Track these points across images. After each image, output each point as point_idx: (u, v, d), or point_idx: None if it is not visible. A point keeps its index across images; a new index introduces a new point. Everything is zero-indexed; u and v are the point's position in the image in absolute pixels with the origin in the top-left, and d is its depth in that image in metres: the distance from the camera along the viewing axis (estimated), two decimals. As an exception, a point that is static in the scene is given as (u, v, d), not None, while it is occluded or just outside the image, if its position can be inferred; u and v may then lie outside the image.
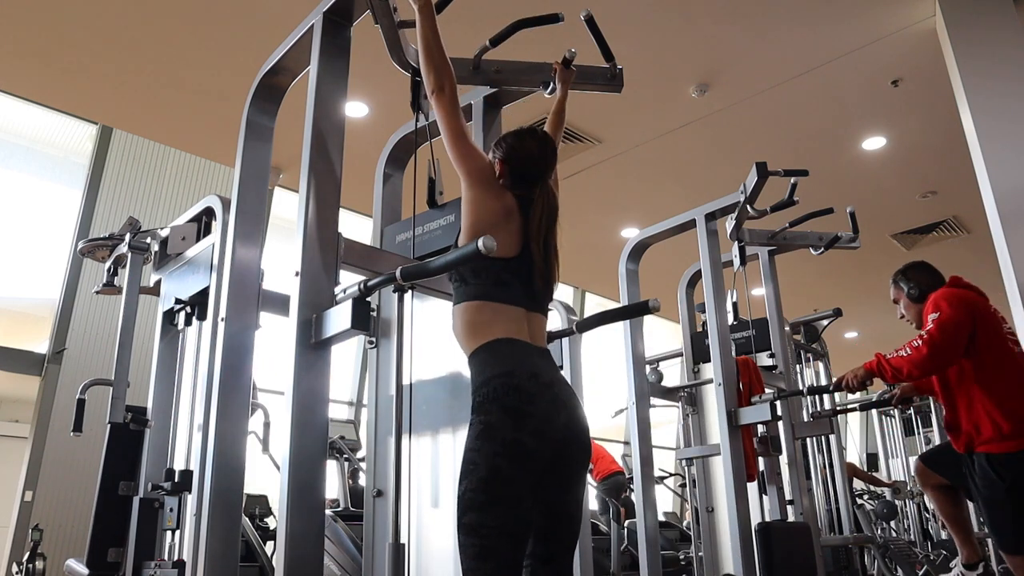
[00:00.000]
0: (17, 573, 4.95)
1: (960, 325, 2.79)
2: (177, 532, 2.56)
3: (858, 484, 7.00)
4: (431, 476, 2.36)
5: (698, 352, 4.32)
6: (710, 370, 3.68)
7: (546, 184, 1.93)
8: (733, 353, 3.57)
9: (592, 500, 5.49)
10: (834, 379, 3.24)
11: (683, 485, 6.12)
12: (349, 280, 1.96)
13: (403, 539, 1.68)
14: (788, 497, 3.88)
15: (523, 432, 1.65)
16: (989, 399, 2.78)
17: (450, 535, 2.27)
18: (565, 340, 2.86)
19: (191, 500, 2.38)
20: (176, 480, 2.52)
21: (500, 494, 1.62)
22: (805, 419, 4.35)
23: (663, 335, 9.67)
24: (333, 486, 4.33)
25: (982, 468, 2.80)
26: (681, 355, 4.60)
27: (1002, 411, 2.75)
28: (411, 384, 1.86)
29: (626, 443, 8.33)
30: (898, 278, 3.21)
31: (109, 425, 2.94)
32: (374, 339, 2.46)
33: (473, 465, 1.64)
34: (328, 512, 3.33)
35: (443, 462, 2.34)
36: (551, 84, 2.37)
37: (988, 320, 2.87)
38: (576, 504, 1.79)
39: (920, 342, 2.80)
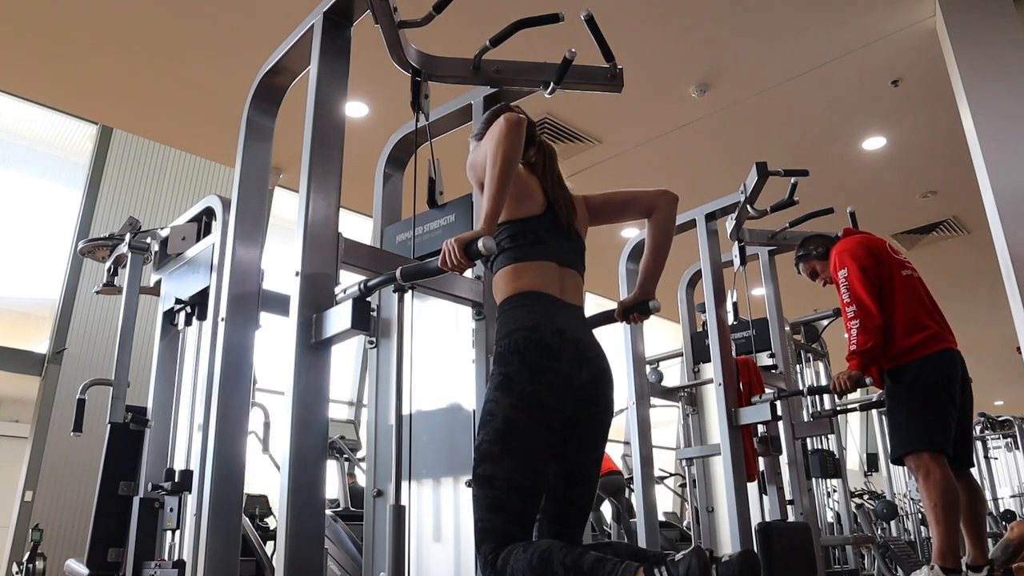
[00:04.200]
0: (17, 573, 4.94)
1: (866, 269, 3.10)
2: (177, 532, 2.56)
3: (857, 484, 7.00)
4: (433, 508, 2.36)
5: (698, 352, 4.32)
6: (710, 370, 3.68)
7: (543, 142, 2.00)
8: (733, 353, 3.57)
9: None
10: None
11: (683, 485, 6.12)
12: (349, 280, 1.96)
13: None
14: (788, 497, 3.87)
15: (541, 386, 1.64)
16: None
17: (450, 538, 2.27)
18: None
19: (191, 500, 2.38)
20: (176, 480, 2.52)
21: (515, 447, 1.61)
22: (805, 419, 4.35)
23: (663, 335, 9.66)
24: (333, 486, 4.33)
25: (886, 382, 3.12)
26: (681, 355, 4.60)
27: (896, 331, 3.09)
28: (411, 387, 1.86)
29: (626, 443, 8.32)
30: (799, 254, 3.53)
31: (109, 425, 2.94)
32: (374, 339, 2.46)
33: (490, 416, 1.65)
34: (328, 512, 3.33)
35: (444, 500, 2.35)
36: (551, 86, 2.37)
37: (884, 256, 3.19)
38: (594, 465, 1.78)
39: (852, 310, 3.07)
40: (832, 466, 4.67)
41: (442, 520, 2.28)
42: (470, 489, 1.69)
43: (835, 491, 5.64)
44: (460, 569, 2.16)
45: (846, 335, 3.15)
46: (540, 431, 1.64)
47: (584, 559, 1.43)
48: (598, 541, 4.98)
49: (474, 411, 2.22)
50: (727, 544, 3.46)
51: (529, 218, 1.81)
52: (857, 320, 3.05)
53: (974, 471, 3.26)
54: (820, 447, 5.27)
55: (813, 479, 5.10)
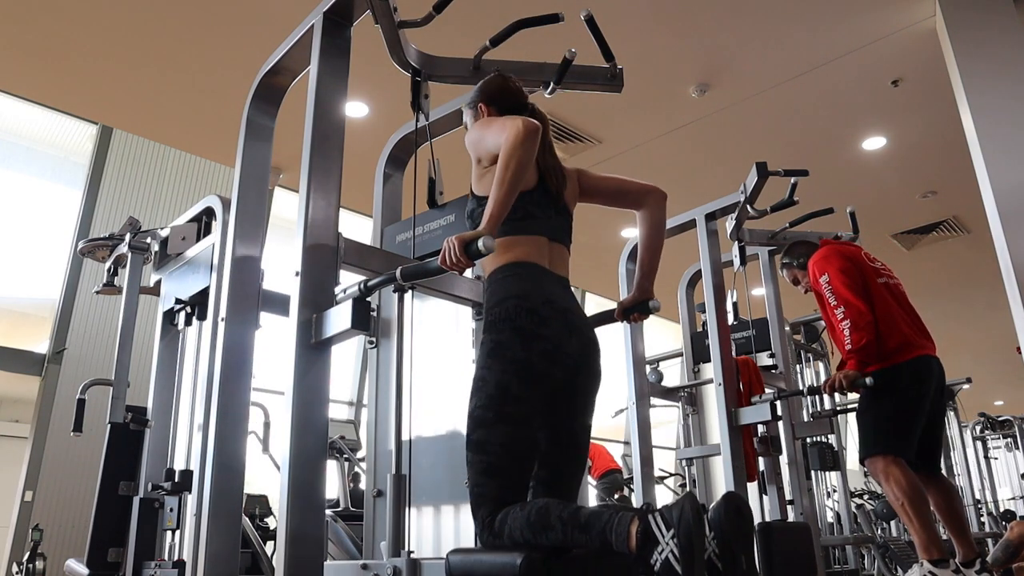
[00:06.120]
0: (17, 573, 4.95)
1: (846, 271, 3.17)
2: (177, 532, 2.56)
3: (857, 484, 6.99)
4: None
5: (698, 352, 4.32)
6: (710, 370, 3.68)
7: (535, 109, 2.00)
8: (733, 353, 3.57)
9: (591, 499, 5.49)
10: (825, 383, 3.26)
11: (683, 485, 6.11)
12: (349, 280, 1.96)
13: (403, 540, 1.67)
14: (788, 497, 3.87)
15: (532, 352, 1.67)
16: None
17: (450, 536, 2.27)
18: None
19: (191, 500, 2.39)
20: (176, 480, 2.52)
21: (508, 412, 1.64)
22: (805, 419, 4.35)
23: (663, 335, 9.67)
24: (333, 486, 4.33)
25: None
26: (681, 355, 4.59)
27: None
28: (411, 387, 1.86)
29: (626, 443, 8.33)
30: (783, 262, 3.66)
31: (109, 425, 2.94)
32: (374, 339, 2.46)
33: (482, 382, 1.67)
34: (328, 512, 3.33)
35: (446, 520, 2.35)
36: (551, 86, 2.37)
37: (860, 263, 3.26)
38: (584, 432, 1.82)
39: (840, 312, 3.11)
40: (831, 458, 4.67)
41: (442, 521, 2.28)
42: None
43: (835, 491, 5.64)
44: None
45: (835, 340, 3.19)
46: (532, 396, 1.67)
47: (581, 512, 1.47)
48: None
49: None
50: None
51: (521, 193, 1.81)
52: (848, 320, 3.09)
53: (974, 472, 3.29)
54: (819, 440, 5.26)
55: (813, 479, 5.10)
